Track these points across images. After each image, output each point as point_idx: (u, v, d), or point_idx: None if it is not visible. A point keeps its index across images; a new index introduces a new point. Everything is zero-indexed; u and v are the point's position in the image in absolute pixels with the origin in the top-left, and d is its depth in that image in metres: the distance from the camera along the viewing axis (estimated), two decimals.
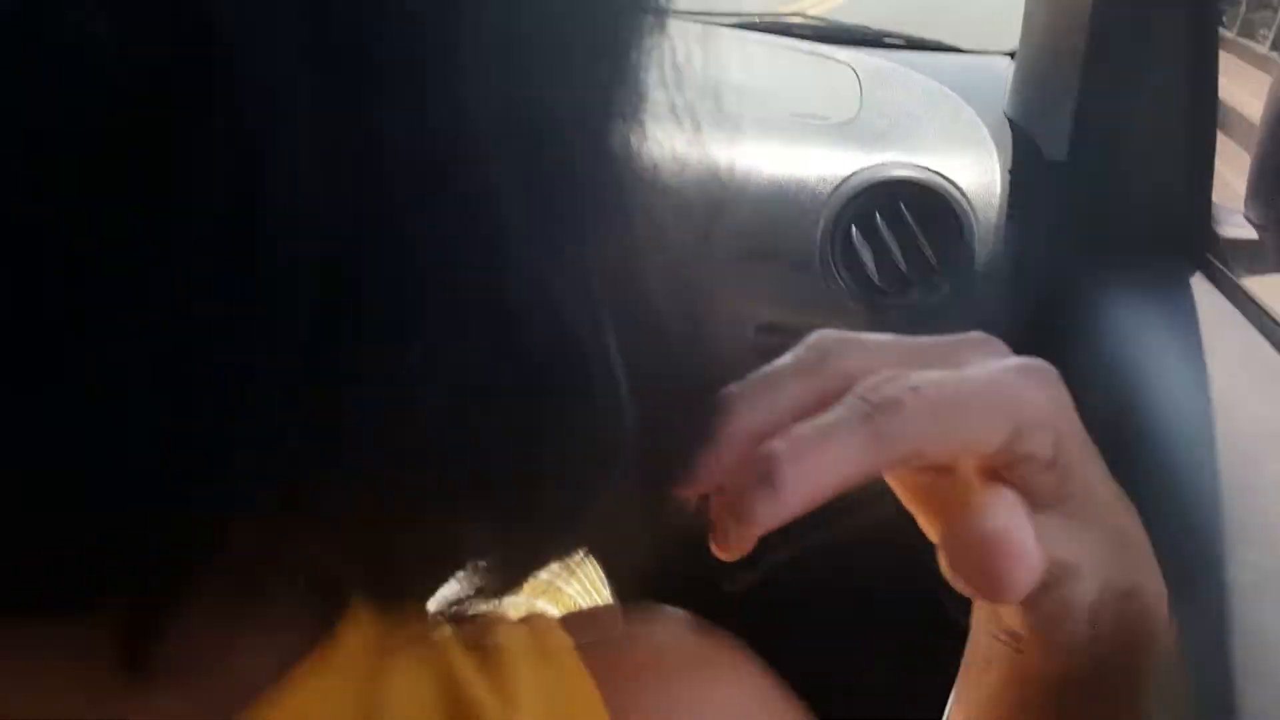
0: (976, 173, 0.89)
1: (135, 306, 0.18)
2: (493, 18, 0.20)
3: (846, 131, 0.96)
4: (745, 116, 0.99)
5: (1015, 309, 0.86)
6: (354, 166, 0.19)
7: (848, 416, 0.28)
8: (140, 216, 0.17)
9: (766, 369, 0.32)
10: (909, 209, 0.87)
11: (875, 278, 0.87)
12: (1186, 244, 0.80)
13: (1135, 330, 0.71)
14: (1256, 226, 0.80)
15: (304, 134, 0.18)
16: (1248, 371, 0.61)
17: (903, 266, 0.87)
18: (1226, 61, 0.83)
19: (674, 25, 0.27)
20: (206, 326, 0.18)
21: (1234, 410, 0.57)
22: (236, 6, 0.17)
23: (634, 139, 0.25)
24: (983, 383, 0.29)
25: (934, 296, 0.86)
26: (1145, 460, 0.58)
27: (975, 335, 0.32)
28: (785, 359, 0.32)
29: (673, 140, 0.26)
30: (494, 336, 0.21)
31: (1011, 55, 1.01)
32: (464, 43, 0.20)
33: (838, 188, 0.90)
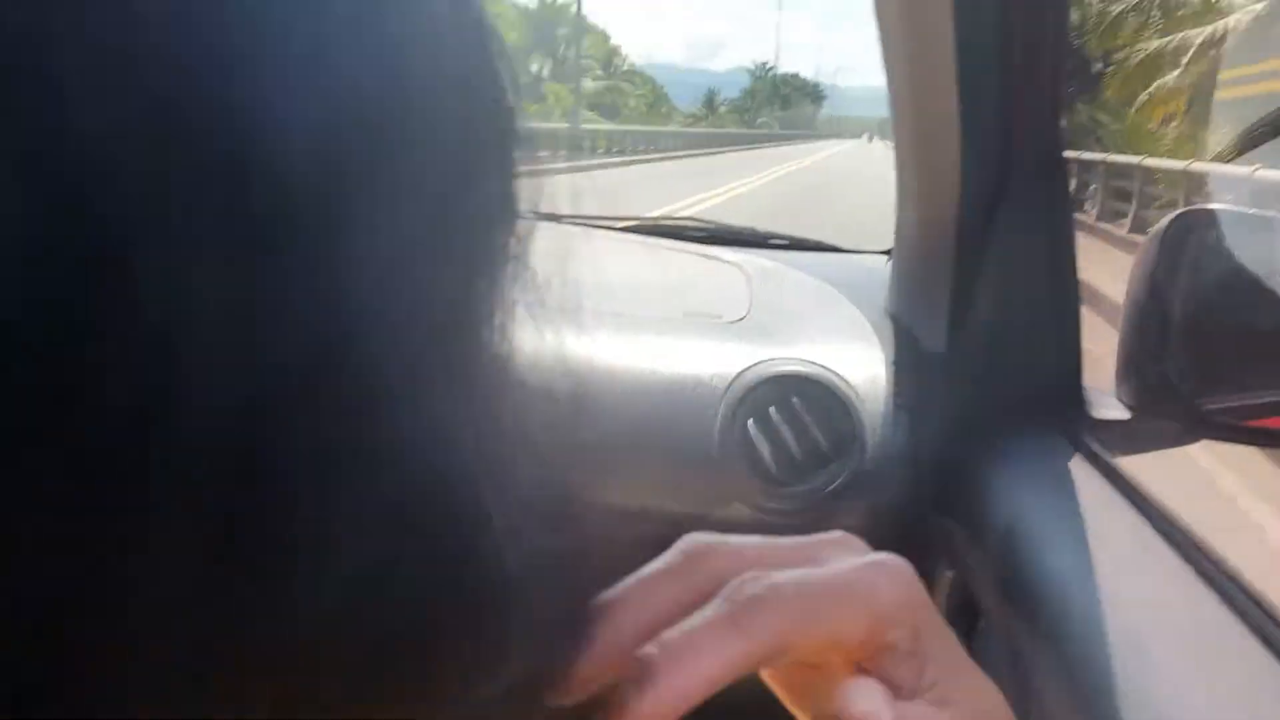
0: (863, 366, 0.93)
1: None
2: (376, 227, 0.21)
3: (738, 329, 1.00)
4: (643, 316, 1.02)
5: (906, 494, 0.88)
6: (242, 373, 0.19)
7: (715, 617, 0.30)
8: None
9: (639, 574, 0.33)
10: (801, 401, 0.90)
11: (773, 469, 0.89)
12: (1064, 426, 0.83)
13: (1021, 512, 0.73)
14: (1127, 408, 0.84)
15: (203, 345, 0.18)
16: (1129, 553, 0.63)
17: (798, 457, 0.89)
18: (1092, 245, 0.89)
19: (554, 228, 0.29)
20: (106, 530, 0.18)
21: (1119, 593, 0.58)
22: (144, 236, 0.17)
23: (509, 337, 0.26)
24: (841, 579, 0.32)
25: (829, 485, 0.88)
26: (1035, 637, 0.59)
27: (835, 535, 0.35)
28: (657, 563, 0.34)
29: (547, 337, 0.28)
30: (380, 532, 0.22)
31: (888, 254, 1.07)
32: (349, 255, 0.21)
33: (732, 383, 0.92)
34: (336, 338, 0.20)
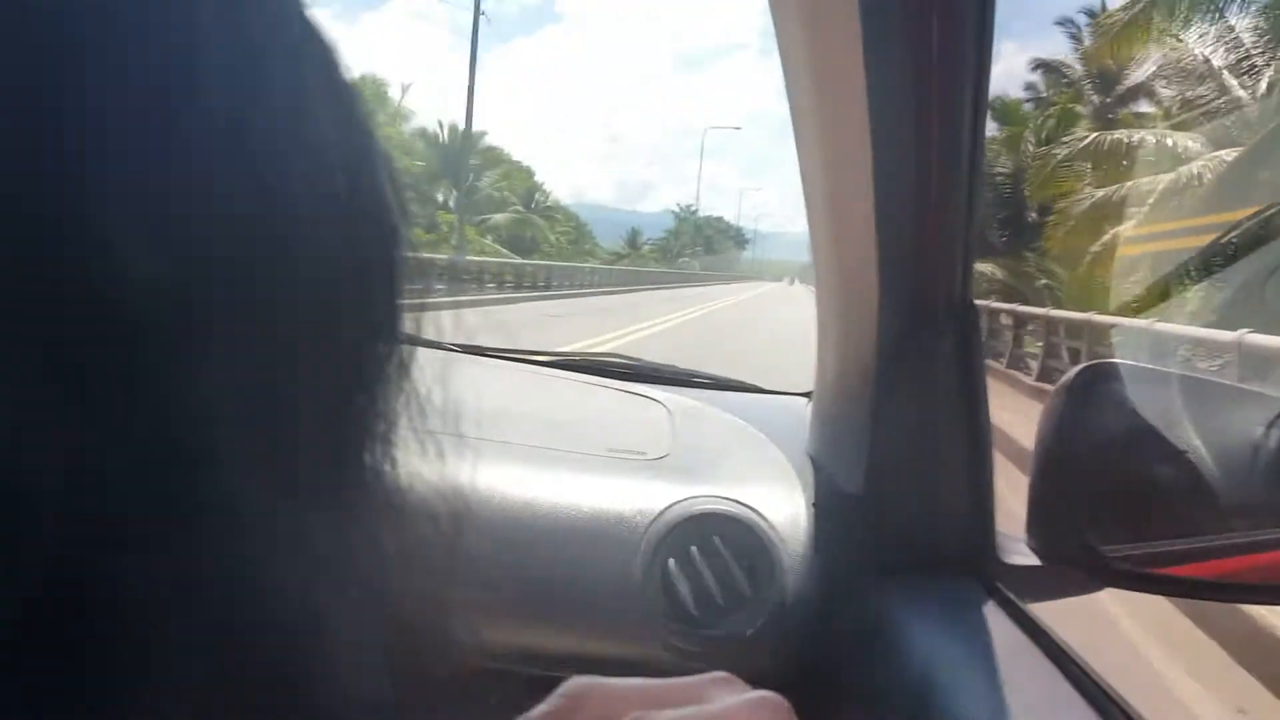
0: (783, 506, 0.94)
1: None
2: (251, 365, 0.22)
3: (661, 467, 1.00)
4: (565, 451, 1.02)
5: (822, 633, 0.88)
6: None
7: None
8: None
9: (523, 718, 0.34)
10: (723, 541, 0.90)
11: (693, 610, 0.88)
12: (976, 571, 0.85)
13: (934, 656, 0.73)
14: (1037, 555, 0.86)
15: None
16: (1040, 703, 0.64)
17: (718, 598, 0.88)
18: (1003, 392, 0.92)
19: (462, 359, 0.29)
20: None
21: None
22: None
23: (390, 462, 0.26)
24: (721, 717, 0.33)
25: (748, 628, 0.87)
26: None
27: (718, 675, 0.36)
28: (541, 707, 0.34)
29: (440, 464, 0.28)
30: (252, 658, 0.22)
31: (809, 396, 1.09)
32: (208, 372, 0.21)
33: (654, 521, 0.92)
34: (194, 453, 0.20)
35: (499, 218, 39.38)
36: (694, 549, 0.90)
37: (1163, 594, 0.95)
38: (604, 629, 0.91)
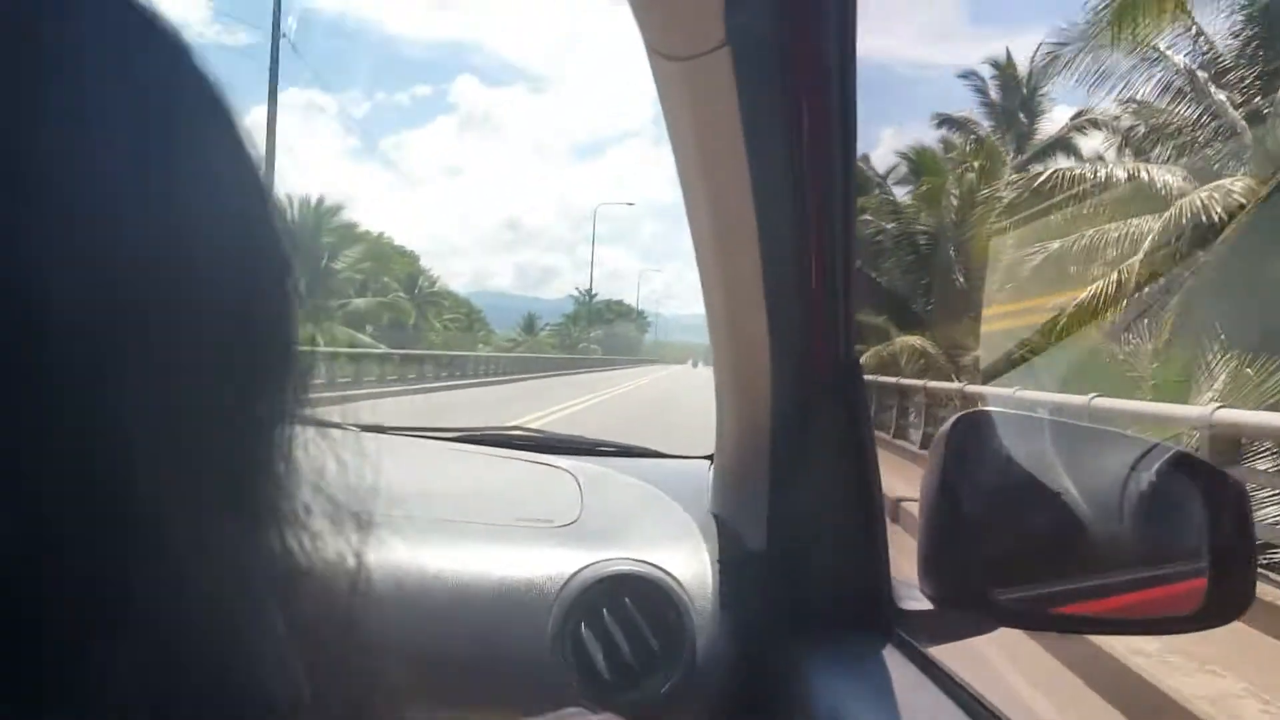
0: (690, 564, 0.97)
1: None
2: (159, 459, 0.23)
3: (570, 533, 1.02)
4: (472, 522, 1.03)
5: (734, 689, 0.90)
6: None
7: None
8: None
9: None
10: (633, 601, 0.92)
11: (605, 674, 0.89)
12: (875, 619, 0.88)
13: (840, 701, 0.76)
14: (931, 600, 0.90)
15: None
16: None
17: (630, 660, 0.90)
18: (889, 459, 0.97)
19: (366, 437, 0.31)
20: None
21: None
22: None
23: (296, 540, 0.28)
24: None
25: (662, 688, 0.89)
26: None
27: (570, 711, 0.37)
28: None
29: (334, 541, 0.29)
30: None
31: (709, 459, 1.12)
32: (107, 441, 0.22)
33: (565, 585, 0.93)
34: (108, 462, 0.22)
35: (356, 302, 36.03)
36: (605, 611, 0.92)
37: (1049, 630, 1.00)
38: (514, 698, 0.91)
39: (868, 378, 0.97)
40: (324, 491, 0.29)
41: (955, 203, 20.36)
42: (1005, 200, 16.56)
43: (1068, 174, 14.75)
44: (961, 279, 19.51)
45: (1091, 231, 12.93)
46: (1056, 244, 13.45)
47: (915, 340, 18.95)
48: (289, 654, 0.26)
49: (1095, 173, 14.31)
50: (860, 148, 0.77)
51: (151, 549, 0.23)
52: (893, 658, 0.82)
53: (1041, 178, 14.87)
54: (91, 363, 0.22)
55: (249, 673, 0.25)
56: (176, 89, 0.27)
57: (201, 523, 0.24)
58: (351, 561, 0.29)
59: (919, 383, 12.74)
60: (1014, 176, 18.05)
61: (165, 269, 0.24)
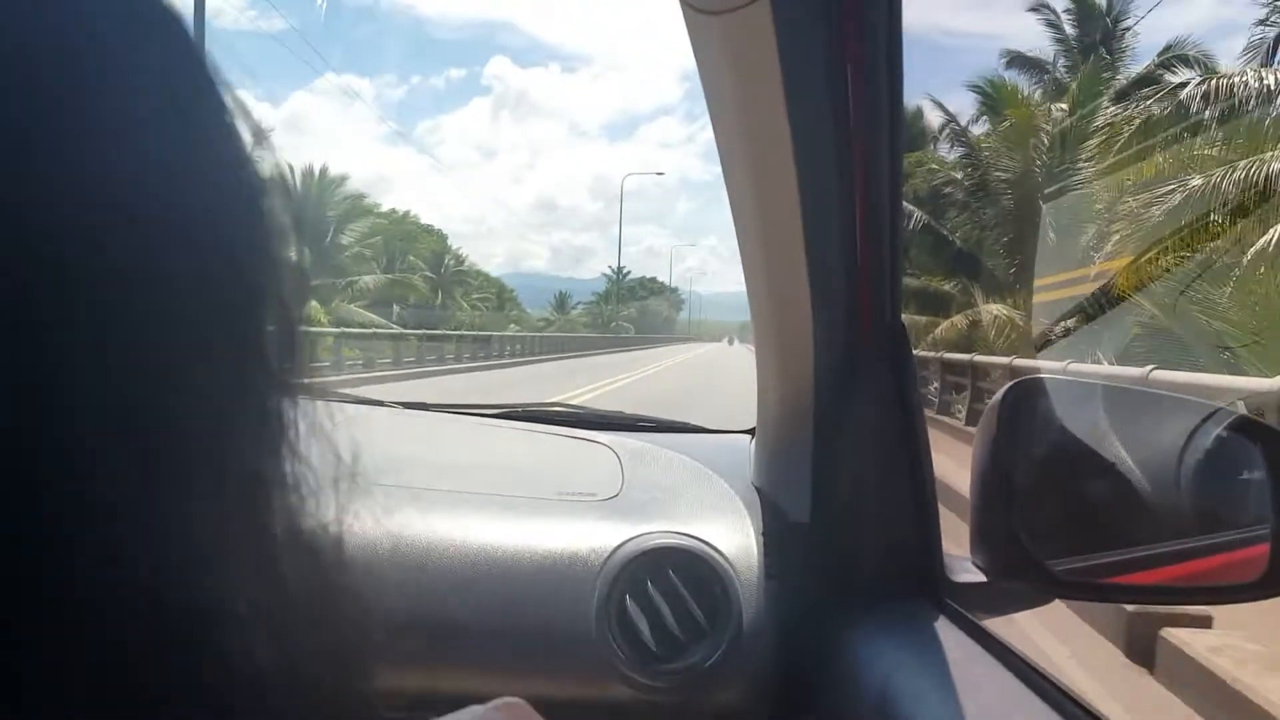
0: (733, 537, 0.96)
1: None
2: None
3: (612, 507, 1.02)
4: (515, 497, 1.03)
5: (781, 659, 0.89)
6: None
7: None
8: None
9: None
10: (677, 574, 0.91)
11: (652, 645, 0.89)
12: (926, 590, 0.87)
13: (891, 670, 0.75)
14: (984, 572, 0.88)
15: None
16: (997, 703, 0.66)
17: (676, 631, 0.89)
18: (931, 435, 0.94)
19: (355, 410, 0.30)
20: None
21: None
22: None
23: (305, 504, 0.28)
24: None
25: (708, 660, 0.88)
26: None
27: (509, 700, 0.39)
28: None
29: (324, 509, 0.29)
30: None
31: (750, 433, 1.11)
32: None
33: (609, 558, 0.93)
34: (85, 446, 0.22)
35: (365, 280, 34.83)
36: (649, 583, 0.91)
37: (1105, 600, 0.98)
38: (561, 670, 0.91)
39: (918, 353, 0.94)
40: (308, 461, 0.28)
41: (1047, 142, 17.39)
42: (1135, 125, 13.87)
43: (1221, 83, 12.37)
44: (1054, 234, 15.51)
45: (1246, 161, 10.63)
46: (1198, 179, 11.04)
47: (999, 309, 16.33)
48: (276, 624, 0.26)
49: (1249, 83, 11.84)
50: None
51: (133, 520, 0.23)
52: (945, 629, 0.80)
53: (1186, 91, 12.52)
54: (71, 328, 0.22)
55: (235, 642, 0.25)
56: (177, 75, 0.27)
57: (187, 490, 0.24)
58: (335, 529, 0.29)
59: (964, 356, 11.63)
60: (1146, 91, 15.39)
61: (146, 227, 0.24)
